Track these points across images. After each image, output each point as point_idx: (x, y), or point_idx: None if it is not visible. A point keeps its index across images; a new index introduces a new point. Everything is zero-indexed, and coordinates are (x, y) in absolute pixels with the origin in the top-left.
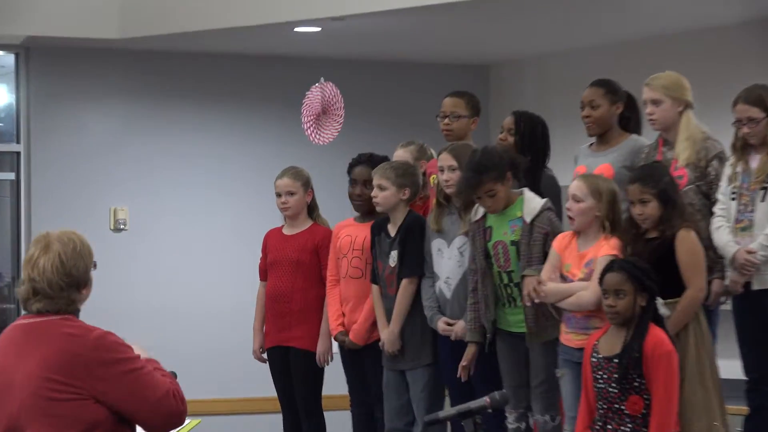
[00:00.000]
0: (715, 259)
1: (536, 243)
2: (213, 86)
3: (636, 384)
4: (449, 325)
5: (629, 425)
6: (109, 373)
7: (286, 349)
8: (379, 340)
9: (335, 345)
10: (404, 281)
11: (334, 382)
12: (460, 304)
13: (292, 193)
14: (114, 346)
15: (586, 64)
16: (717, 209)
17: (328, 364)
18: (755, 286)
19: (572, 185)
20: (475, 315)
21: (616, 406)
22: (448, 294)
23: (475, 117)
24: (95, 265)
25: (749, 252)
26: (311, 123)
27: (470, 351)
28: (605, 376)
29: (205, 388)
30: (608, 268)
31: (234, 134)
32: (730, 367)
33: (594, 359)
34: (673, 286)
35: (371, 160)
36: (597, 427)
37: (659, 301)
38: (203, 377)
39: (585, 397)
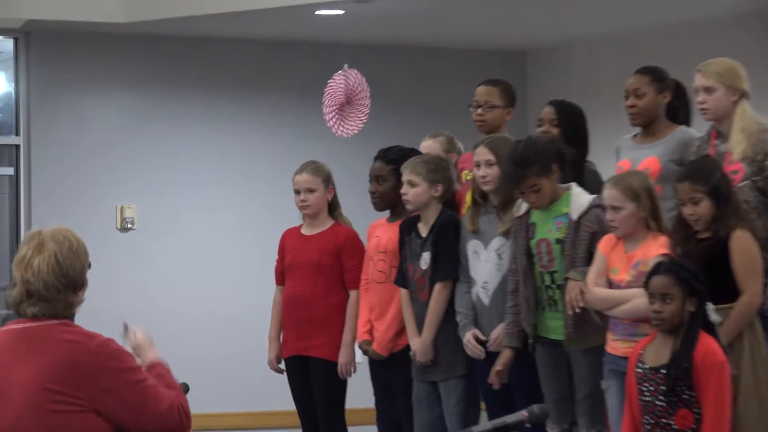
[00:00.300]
0: None
1: (582, 242)
2: (228, 74)
3: (685, 397)
4: (480, 342)
5: None
6: (113, 384)
7: (306, 358)
8: (406, 348)
9: (360, 354)
10: (437, 285)
11: (359, 394)
12: (498, 312)
13: (311, 190)
14: (117, 355)
15: (632, 49)
16: None
17: (350, 376)
18: None
19: (606, 195)
20: (514, 318)
21: (664, 420)
22: (486, 300)
23: (511, 107)
24: (90, 265)
25: None
26: (334, 114)
27: (505, 355)
28: (652, 389)
29: (218, 399)
30: (654, 271)
31: (251, 127)
32: None
33: (639, 370)
34: (727, 291)
35: (386, 154)
36: None
37: (710, 306)
38: (215, 388)
39: (629, 411)
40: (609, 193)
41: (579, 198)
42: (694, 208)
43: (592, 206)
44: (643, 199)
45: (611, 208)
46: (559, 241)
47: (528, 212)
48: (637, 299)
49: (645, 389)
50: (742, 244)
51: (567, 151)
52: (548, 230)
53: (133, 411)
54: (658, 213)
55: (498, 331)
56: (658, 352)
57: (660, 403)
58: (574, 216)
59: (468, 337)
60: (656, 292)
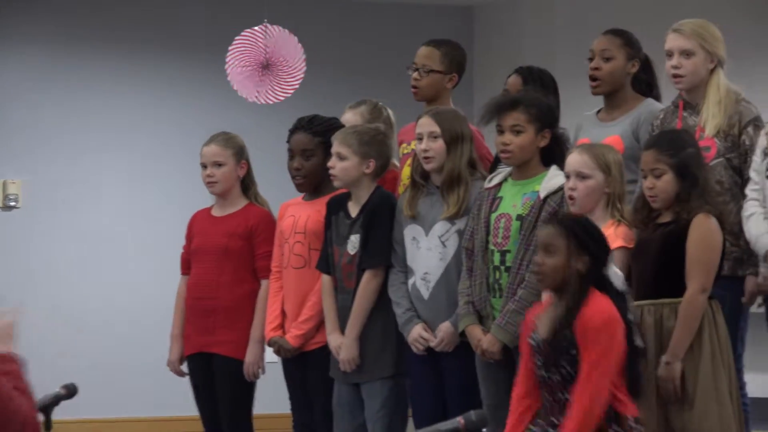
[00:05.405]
0: (748, 251)
1: (540, 223)
2: (130, 27)
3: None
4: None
5: None
6: None
7: (209, 356)
8: (327, 345)
9: (271, 353)
10: (367, 273)
11: (273, 398)
12: (440, 307)
13: (219, 164)
14: None
15: (601, 7)
16: (749, 191)
17: (257, 378)
18: None
19: (574, 159)
20: (470, 300)
21: (560, 395)
22: (425, 293)
23: (454, 74)
24: None
25: None
26: (247, 75)
27: (476, 333)
28: (544, 361)
29: (114, 404)
30: (546, 222)
31: (157, 90)
32: (761, 384)
33: (532, 341)
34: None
35: (311, 125)
36: (540, 422)
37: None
38: (111, 391)
39: (523, 387)
40: (577, 159)
41: (553, 179)
42: (655, 181)
43: (562, 189)
44: (614, 173)
45: (576, 175)
46: (519, 217)
47: (500, 185)
48: None
49: (538, 362)
50: (700, 231)
51: (564, 136)
52: (513, 205)
53: None
54: (623, 197)
55: (445, 330)
56: (551, 319)
57: (556, 377)
58: (543, 194)
59: (418, 332)
60: (540, 243)
